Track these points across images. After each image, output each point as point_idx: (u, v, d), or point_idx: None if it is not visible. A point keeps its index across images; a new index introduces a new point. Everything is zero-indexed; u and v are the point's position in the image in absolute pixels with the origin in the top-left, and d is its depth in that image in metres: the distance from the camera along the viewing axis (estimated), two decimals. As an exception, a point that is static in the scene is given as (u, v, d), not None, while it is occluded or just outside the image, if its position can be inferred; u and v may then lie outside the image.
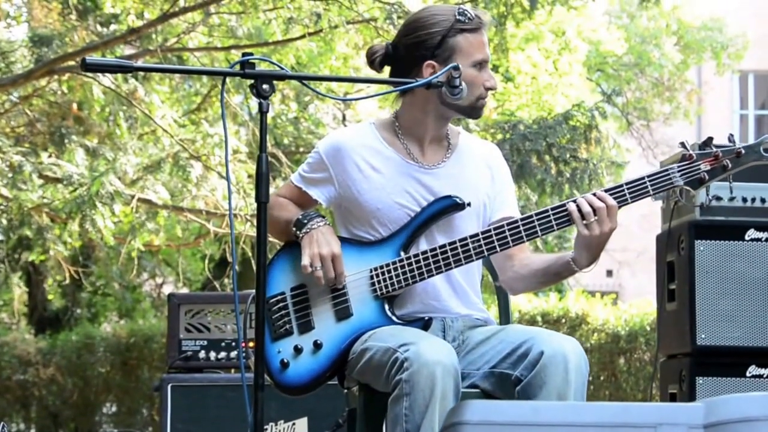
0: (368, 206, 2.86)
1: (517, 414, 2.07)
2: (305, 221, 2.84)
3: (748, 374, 3.81)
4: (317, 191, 2.92)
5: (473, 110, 2.87)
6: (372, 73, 2.96)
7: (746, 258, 3.83)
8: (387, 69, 2.93)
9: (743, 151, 2.75)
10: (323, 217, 2.88)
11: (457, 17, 2.81)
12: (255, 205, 2.57)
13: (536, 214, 2.78)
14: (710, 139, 2.79)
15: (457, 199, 2.83)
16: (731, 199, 3.87)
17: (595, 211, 2.71)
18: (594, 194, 2.74)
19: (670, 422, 2.01)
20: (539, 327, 9.51)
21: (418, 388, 2.54)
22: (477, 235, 2.78)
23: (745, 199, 3.91)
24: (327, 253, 2.78)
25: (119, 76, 7.55)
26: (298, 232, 2.84)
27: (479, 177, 2.94)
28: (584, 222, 2.72)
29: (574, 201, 2.75)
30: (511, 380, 2.67)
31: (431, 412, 2.53)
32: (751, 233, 3.85)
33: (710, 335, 3.80)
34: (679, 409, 2.06)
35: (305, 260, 2.78)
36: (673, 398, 3.95)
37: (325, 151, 2.92)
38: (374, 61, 2.90)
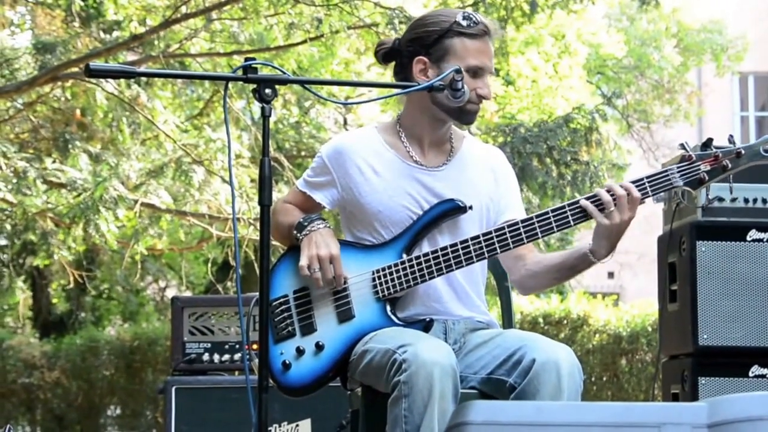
0: (370, 208, 2.87)
1: (521, 414, 2.08)
2: (305, 224, 2.85)
3: (750, 374, 3.81)
4: (321, 195, 2.94)
5: (461, 113, 2.84)
6: (373, 78, 2.98)
7: (748, 258, 3.83)
8: (391, 70, 2.95)
9: (743, 151, 2.75)
10: (324, 219, 2.89)
11: (459, 20, 2.80)
12: (258, 208, 2.59)
13: (536, 216, 2.78)
14: (710, 140, 2.78)
15: (459, 202, 2.84)
16: (733, 200, 3.87)
17: (615, 200, 2.72)
18: (620, 184, 2.73)
19: (674, 422, 2.01)
20: (541, 329, 9.64)
21: (416, 389, 2.54)
22: (478, 236, 2.79)
23: (746, 200, 3.91)
24: (325, 255, 2.79)
25: (122, 82, 7.59)
26: (298, 235, 2.85)
27: (482, 180, 2.94)
28: (604, 212, 2.72)
29: (588, 197, 2.75)
30: (506, 387, 2.67)
31: (430, 412, 2.53)
32: (753, 234, 3.86)
33: (712, 336, 3.80)
34: (683, 408, 2.06)
35: (303, 261, 2.79)
36: (675, 398, 3.95)
37: (327, 155, 2.93)
38: (378, 53, 2.92)
